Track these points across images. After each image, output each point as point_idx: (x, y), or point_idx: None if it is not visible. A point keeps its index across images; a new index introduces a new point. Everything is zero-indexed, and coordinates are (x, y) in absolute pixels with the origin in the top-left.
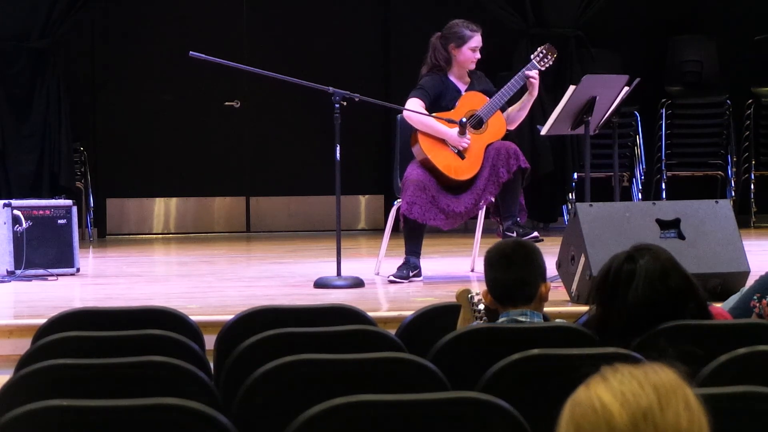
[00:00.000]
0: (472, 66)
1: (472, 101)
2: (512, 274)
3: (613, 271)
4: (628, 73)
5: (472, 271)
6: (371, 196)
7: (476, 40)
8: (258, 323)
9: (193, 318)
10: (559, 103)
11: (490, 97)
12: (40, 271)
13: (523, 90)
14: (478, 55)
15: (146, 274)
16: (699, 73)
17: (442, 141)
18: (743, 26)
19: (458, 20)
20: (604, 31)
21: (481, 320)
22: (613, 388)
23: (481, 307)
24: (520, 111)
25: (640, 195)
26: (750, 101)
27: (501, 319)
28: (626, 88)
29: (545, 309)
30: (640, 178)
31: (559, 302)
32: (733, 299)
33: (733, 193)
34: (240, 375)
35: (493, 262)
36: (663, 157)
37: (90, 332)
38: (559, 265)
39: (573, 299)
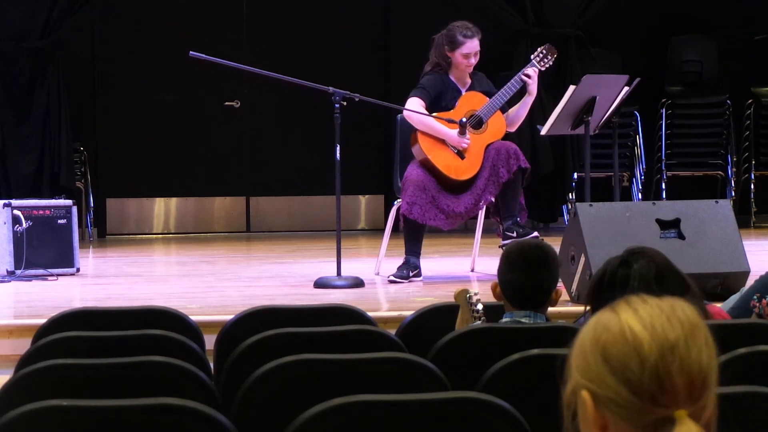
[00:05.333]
0: (469, 70)
1: (471, 101)
2: (530, 281)
3: (607, 276)
4: (628, 73)
5: (472, 271)
6: (371, 196)
7: (469, 47)
8: (258, 323)
9: (193, 318)
10: (559, 103)
11: (491, 97)
12: (40, 271)
13: (523, 90)
14: (472, 61)
15: (146, 274)
16: (699, 73)
17: (442, 141)
18: (743, 26)
19: (458, 23)
20: (604, 31)
21: (479, 321)
22: (642, 319)
23: (480, 307)
24: (519, 110)
25: (640, 195)
26: (750, 101)
27: (504, 319)
28: (626, 88)
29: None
30: (640, 178)
31: (559, 302)
32: (733, 299)
33: (733, 193)
34: (240, 375)
35: (513, 263)
36: (663, 157)
37: (90, 332)
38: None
39: (573, 299)
